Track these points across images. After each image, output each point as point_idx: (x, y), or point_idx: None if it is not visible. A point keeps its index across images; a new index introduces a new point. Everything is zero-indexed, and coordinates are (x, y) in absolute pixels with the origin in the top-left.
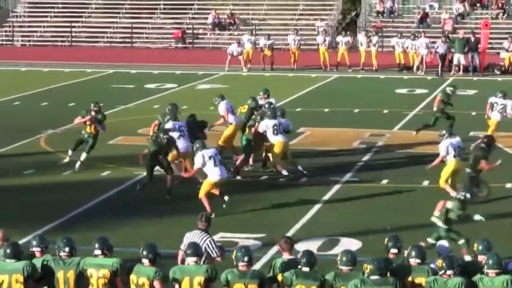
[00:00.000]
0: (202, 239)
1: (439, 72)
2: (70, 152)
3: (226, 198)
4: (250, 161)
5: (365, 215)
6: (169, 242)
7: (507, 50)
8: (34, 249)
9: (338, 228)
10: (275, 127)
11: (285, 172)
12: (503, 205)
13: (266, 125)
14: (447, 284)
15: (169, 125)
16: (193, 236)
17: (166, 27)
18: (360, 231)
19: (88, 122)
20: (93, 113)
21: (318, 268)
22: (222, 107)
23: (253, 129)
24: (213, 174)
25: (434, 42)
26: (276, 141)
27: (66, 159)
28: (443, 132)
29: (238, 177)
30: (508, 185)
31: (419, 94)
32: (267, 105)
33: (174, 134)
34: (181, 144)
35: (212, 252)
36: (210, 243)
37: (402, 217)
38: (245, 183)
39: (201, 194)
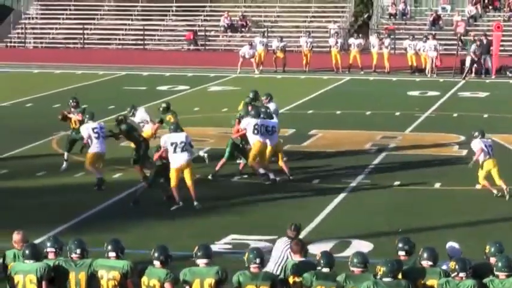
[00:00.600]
0: (286, 246)
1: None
2: (66, 155)
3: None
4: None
5: (376, 217)
6: (180, 244)
7: None
8: (48, 249)
9: (349, 230)
10: (256, 126)
11: (263, 172)
12: None
13: (248, 123)
14: (459, 286)
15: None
16: (281, 243)
17: (178, 30)
18: (371, 233)
19: (75, 118)
20: (72, 109)
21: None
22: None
23: (234, 130)
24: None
25: (446, 45)
26: (255, 141)
27: (64, 165)
28: (476, 133)
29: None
30: None
31: (431, 96)
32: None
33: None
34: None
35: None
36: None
37: (414, 219)
38: (256, 185)
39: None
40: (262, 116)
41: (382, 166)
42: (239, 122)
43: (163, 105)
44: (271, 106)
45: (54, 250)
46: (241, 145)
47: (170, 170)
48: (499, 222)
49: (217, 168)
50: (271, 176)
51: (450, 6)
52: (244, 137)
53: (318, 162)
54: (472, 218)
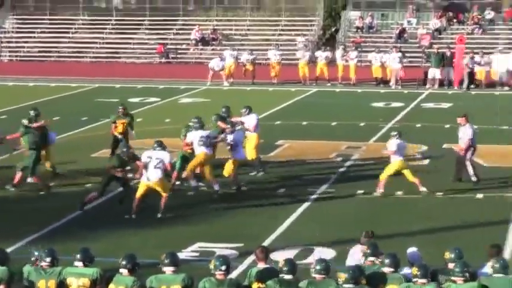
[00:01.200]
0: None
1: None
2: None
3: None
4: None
5: (340, 225)
6: (148, 252)
7: (479, 64)
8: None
9: (313, 238)
10: (202, 138)
11: (194, 185)
12: (474, 214)
13: (193, 136)
14: None
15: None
16: (356, 249)
17: (150, 43)
18: (334, 240)
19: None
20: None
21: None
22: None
23: (183, 142)
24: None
25: (411, 57)
26: (200, 152)
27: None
28: (395, 133)
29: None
30: (479, 195)
31: (395, 107)
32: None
33: None
34: None
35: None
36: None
37: (376, 226)
38: (224, 195)
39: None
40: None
41: (346, 175)
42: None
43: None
44: (252, 118)
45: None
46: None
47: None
48: (459, 228)
49: (172, 181)
50: (216, 187)
51: (416, 19)
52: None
53: (284, 172)
54: (432, 224)
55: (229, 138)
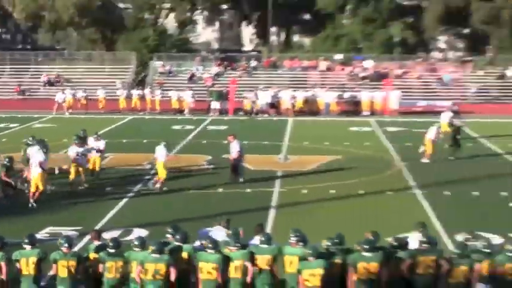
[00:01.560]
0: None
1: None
2: None
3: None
4: None
5: (152, 212)
6: (17, 233)
7: (246, 98)
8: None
9: (132, 221)
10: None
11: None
12: (244, 203)
13: (30, 152)
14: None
15: None
16: (217, 229)
17: (11, 84)
18: (147, 223)
19: None
20: None
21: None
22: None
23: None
24: None
25: (199, 94)
26: (32, 169)
27: None
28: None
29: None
30: (248, 190)
31: (188, 129)
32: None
33: None
34: None
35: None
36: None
37: (188, 214)
38: (71, 192)
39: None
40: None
41: (154, 177)
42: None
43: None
44: (102, 142)
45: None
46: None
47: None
48: (235, 213)
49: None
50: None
51: (202, 67)
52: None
53: (112, 175)
54: (219, 211)
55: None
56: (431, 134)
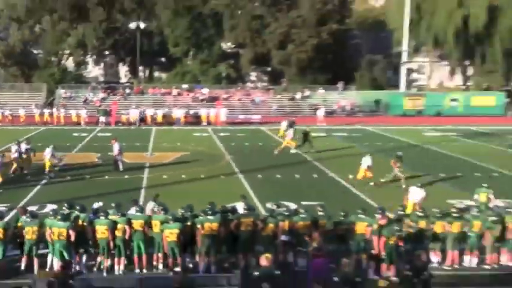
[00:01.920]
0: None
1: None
2: None
3: None
4: None
5: (58, 191)
6: None
7: (124, 115)
8: None
9: (46, 199)
10: None
11: None
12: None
13: None
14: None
15: None
16: (149, 203)
17: None
18: (55, 200)
19: None
20: None
21: None
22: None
23: None
24: None
25: (91, 112)
26: None
27: None
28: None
29: None
30: (126, 176)
31: (83, 136)
32: None
33: None
34: None
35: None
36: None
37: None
38: None
39: None
40: None
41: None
42: None
43: None
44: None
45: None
46: None
47: None
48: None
49: None
50: None
51: (92, 93)
52: None
53: (32, 169)
54: (101, 191)
55: None
56: (289, 136)
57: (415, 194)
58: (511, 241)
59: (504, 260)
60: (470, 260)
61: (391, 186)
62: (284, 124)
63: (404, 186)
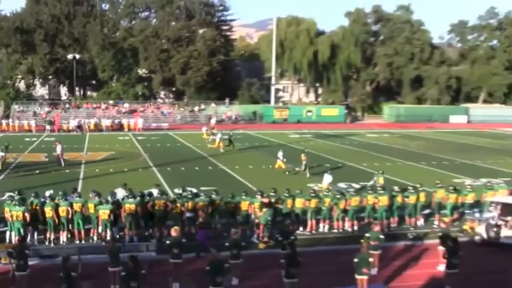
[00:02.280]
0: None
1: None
2: None
3: None
4: None
5: (16, 182)
6: None
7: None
8: None
9: (6, 189)
10: None
11: None
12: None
13: None
14: (104, 207)
15: None
16: (119, 190)
17: None
18: (14, 188)
19: None
20: None
21: None
22: None
23: None
24: None
25: (39, 122)
26: None
27: None
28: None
29: None
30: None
31: (33, 140)
32: None
33: None
34: None
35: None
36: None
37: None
38: None
39: None
40: None
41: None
42: None
43: None
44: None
45: None
46: None
47: None
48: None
49: None
50: None
51: (40, 107)
52: None
53: None
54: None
55: None
56: (217, 138)
57: (326, 179)
58: (351, 211)
59: (347, 226)
60: (324, 227)
61: (280, 174)
62: (204, 129)
63: (308, 175)
